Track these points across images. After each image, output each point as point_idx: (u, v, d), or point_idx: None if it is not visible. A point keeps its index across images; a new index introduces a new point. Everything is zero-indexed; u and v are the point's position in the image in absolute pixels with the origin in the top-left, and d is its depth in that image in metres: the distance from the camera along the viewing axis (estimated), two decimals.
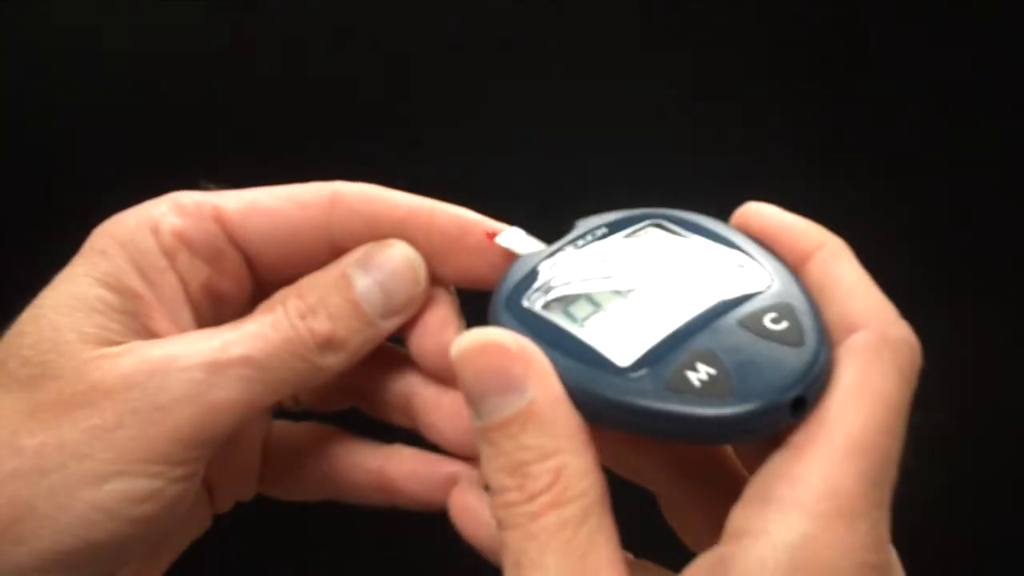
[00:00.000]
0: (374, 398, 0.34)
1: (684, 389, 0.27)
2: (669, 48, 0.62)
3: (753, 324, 0.28)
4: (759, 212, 0.31)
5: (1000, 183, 0.64)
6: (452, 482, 0.33)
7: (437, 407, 0.33)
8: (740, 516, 0.26)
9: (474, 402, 0.27)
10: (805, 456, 0.25)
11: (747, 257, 0.30)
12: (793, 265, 0.30)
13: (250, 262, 0.32)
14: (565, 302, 0.30)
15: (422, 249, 0.32)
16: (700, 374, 0.27)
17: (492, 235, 0.32)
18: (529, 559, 0.26)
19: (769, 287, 0.29)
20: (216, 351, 0.29)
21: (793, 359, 0.27)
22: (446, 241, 0.32)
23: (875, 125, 0.63)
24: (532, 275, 0.31)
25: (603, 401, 0.27)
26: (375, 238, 0.32)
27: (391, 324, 0.32)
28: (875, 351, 0.27)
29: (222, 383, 0.28)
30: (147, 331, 0.30)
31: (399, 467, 0.34)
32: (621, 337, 0.29)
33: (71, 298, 0.29)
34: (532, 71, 0.61)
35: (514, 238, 0.32)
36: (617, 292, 0.30)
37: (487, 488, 0.28)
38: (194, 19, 0.59)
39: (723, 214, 0.32)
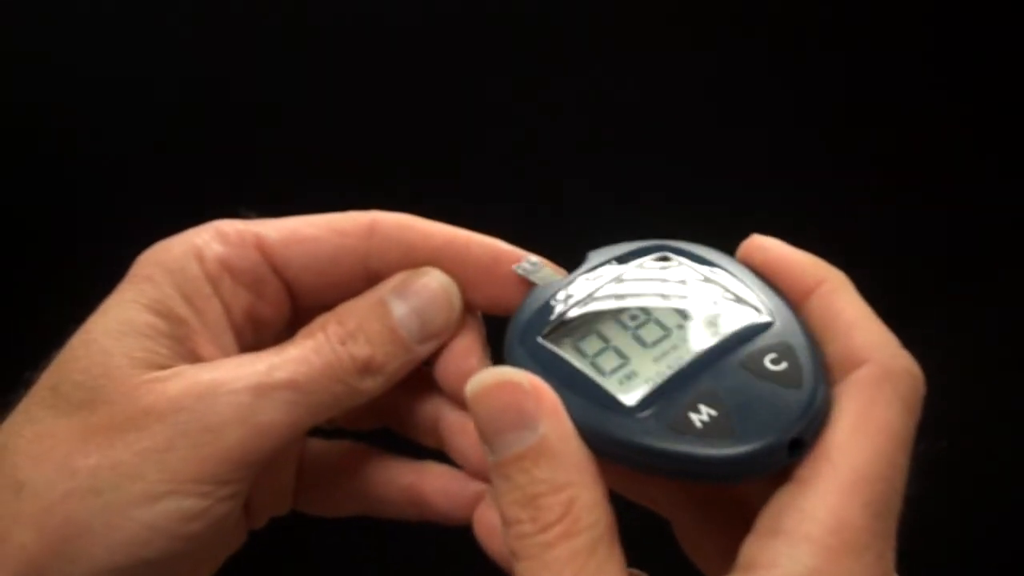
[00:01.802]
0: (404, 419, 0.36)
1: (687, 430, 0.28)
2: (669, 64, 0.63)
3: (754, 365, 0.29)
4: (762, 246, 0.32)
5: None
6: (480, 499, 0.34)
7: (463, 431, 0.34)
8: (751, 548, 0.27)
9: (488, 439, 0.28)
10: (812, 490, 0.27)
11: (750, 293, 0.31)
12: (795, 300, 0.31)
13: (289, 288, 0.33)
14: (576, 337, 0.31)
15: (456, 277, 0.33)
16: (702, 415, 0.28)
17: None
18: None
19: (770, 325, 0.30)
20: (261, 375, 0.30)
21: (791, 401, 0.28)
22: (479, 270, 0.33)
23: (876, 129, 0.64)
24: (545, 308, 0.32)
25: (610, 439, 0.29)
26: (411, 266, 0.33)
27: (427, 349, 0.33)
28: (877, 384, 0.28)
29: (268, 406, 0.30)
30: (193, 355, 0.31)
31: (431, 483, 0.35)
32: (628, 375, 0.30)
33: (121, 323, 0.30)
34: (537, 94, 0.62)
35: (530, 268, 0.33)
36: (625, 327, 0.31)
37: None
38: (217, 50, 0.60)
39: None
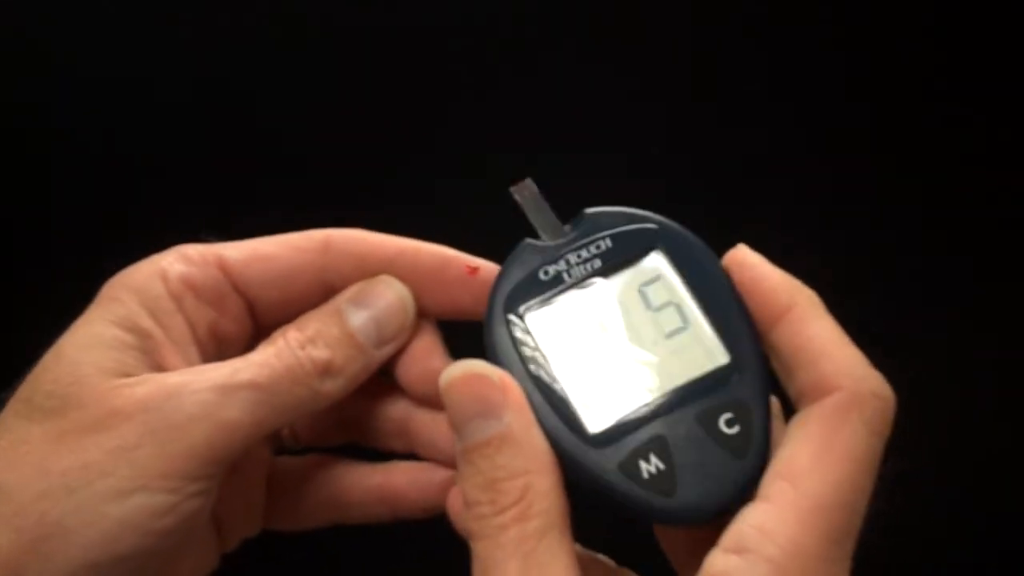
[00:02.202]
0: (371, 427, 0.37)
1: (634, 476, 0.31)
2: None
3: (709, 422, 0.31)
4: (742, 262, 0.33)
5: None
6: (450, 484, 0.35)
7: (433, 424, 0.35)
8: (715, 560, 0.29)
9: (457, 426, 0.31)
10: (777, 513, 0.28)
11: (724, 326, 0.32)
12: (767, 323, 0.32)
13: (251, 305, 0.35)
14: (558, 331, 0.33)
15: (408, 284, 0.35)
16: (651, 466, 0.31)
17: (472, 269, 0.35)
18: (495, 564, 0.29)
19: (735, 375, 0.32)
20: (225, 376, 0.31)
21: (734, 472, 0.31)
22: (430, 275, 0.35)
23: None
24: (533, 282, 0.33)
25: (566, 456, 0.31)
26: (365, 277, 0.35)
27: (384, 352, 0.34)
28: (844, 411, 0.29)
29: (232, 404, 0.31)
30: (159, 367, 0.32)
31: (400, 477, 0.36)
32: (597, 397, 0.32)
33: (89, 338, 0.32)
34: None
35: (525, 192, 0.34)
36: (603, 341, 0.33)
37: None
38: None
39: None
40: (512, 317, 0.33)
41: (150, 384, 0.31)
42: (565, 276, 0.33)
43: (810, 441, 0.29)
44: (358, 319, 0.34)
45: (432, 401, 0.35)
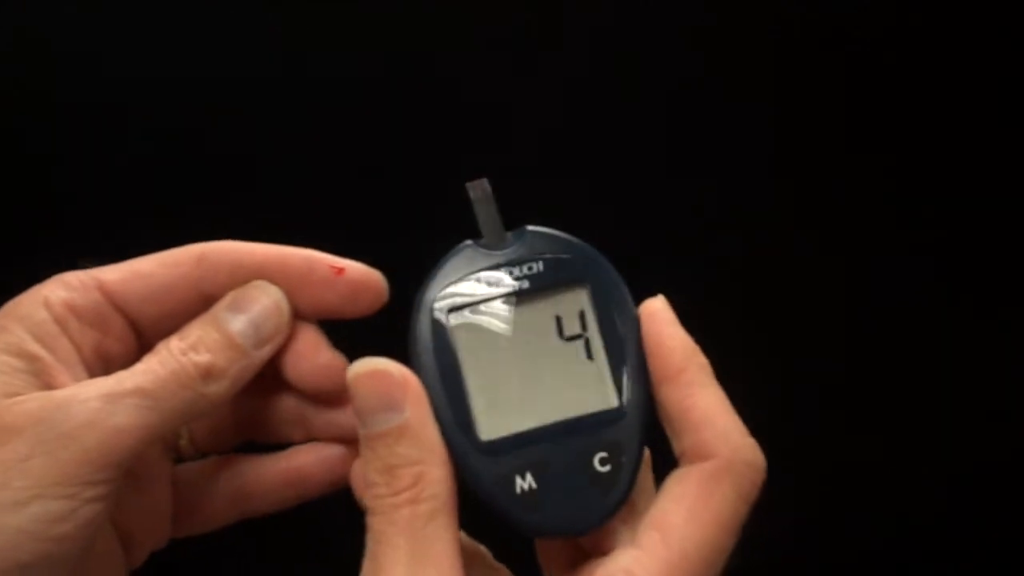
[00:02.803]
0: (267, 421, 0.39)
1: (507, 489, 0.34)
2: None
3: (585, 458, 0.35)
4: (652, 315, 0.36)
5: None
6: (353, 456, 0.37)
7: (333, 406, 0.38)
8: None
9: (362, 416, 0.34)
10: (646, 561, 0.33)
11: (623, 372, 0.35)
12: (658, 379, 0.35)
13: (133, 323, 0.37)
14: (475, 338, 0.35)
15: (280, 286, 0.37)
16: (524, 484, 0.34)
17: (338, 270, 0.37)
18: (387, 538, 0.33)
19: (620, 419, 0.35)
20: (111, 385, 0.33)
21: (594, 507, 0.35)
22: (298, 278, 0.37)
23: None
24: (464, 285, 0.36)
25: (454, 455, 0.34)
26: (239, 285, 0.37)
27: (264, 353, 0.37)
28: (719, 478, 0.33)
29: (120, 410, 0.33)
30: (49, 387, 0.34)
31: (304, 458, 0.39)
32: (495, 408, 0.35)
33: None
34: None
35: (479, 191, 0.37)
36: (518, 356, 0.36)
37: None
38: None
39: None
40: (437, 314, 0.36)
41: (39, 399, 0.33)
42: (494, 289, 0.36)
43: (685, 500, 0.33)
44: (237, 323, 0.36)
45: (324, 395, 0.38)
